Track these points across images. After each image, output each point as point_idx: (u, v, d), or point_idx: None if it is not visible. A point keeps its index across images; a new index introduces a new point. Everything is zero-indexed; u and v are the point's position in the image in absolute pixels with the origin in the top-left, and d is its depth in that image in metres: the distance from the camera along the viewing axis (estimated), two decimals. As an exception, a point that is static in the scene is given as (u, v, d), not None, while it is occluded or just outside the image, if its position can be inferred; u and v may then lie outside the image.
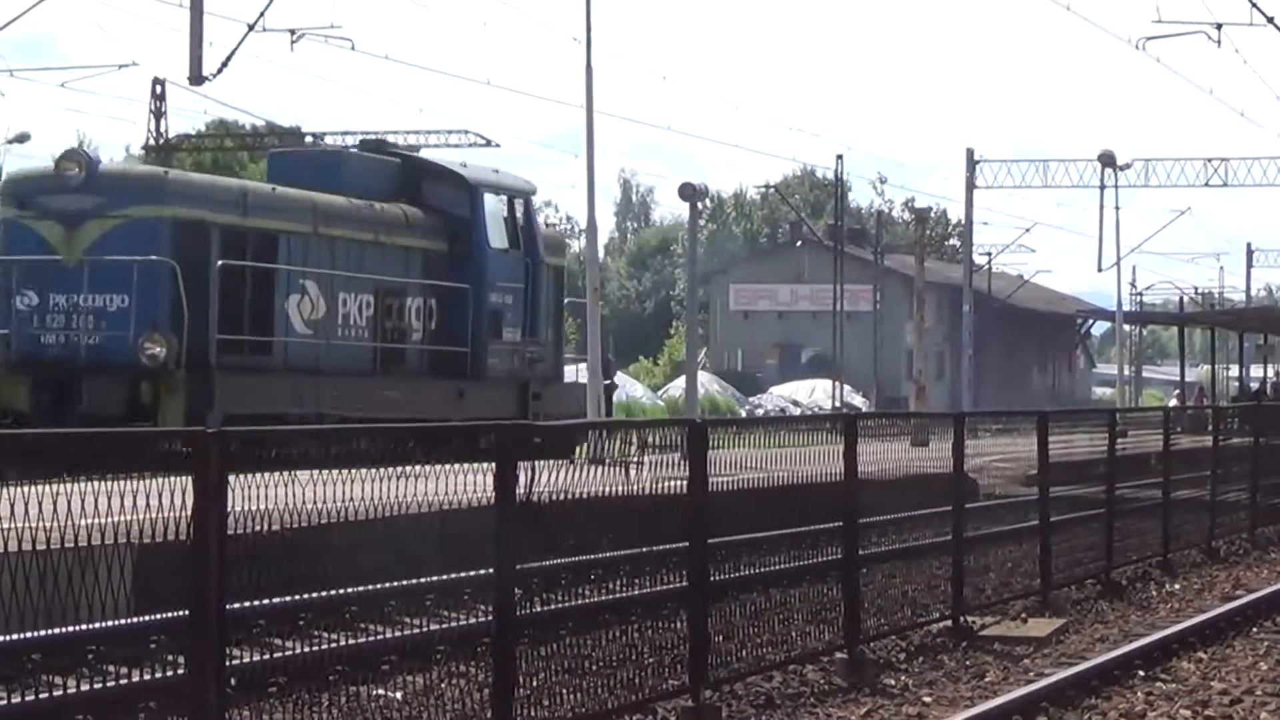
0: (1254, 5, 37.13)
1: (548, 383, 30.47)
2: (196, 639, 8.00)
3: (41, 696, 8.44)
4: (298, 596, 9.29)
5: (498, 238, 29.29)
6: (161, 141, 70.65)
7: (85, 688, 8.36)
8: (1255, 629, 16.62)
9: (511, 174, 31.43)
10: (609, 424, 19.29)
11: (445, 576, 11.05)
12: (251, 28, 37.51)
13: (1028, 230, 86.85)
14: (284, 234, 26.07)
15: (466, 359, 28.49)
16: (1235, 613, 17.18)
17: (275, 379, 25.56)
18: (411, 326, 28.22)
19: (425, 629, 10.80)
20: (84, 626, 8.81)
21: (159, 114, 69.90)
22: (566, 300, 32.51)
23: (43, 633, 8.42)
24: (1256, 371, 67.80)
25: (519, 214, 29.91)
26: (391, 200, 28.39)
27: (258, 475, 8.44)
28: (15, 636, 7.97)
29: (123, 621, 9.34)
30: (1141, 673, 13.84)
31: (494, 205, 29.38)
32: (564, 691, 10.56)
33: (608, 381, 31.11)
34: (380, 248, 27.54)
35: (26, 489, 7.51)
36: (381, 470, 9.37)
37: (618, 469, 12.02)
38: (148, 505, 7.80)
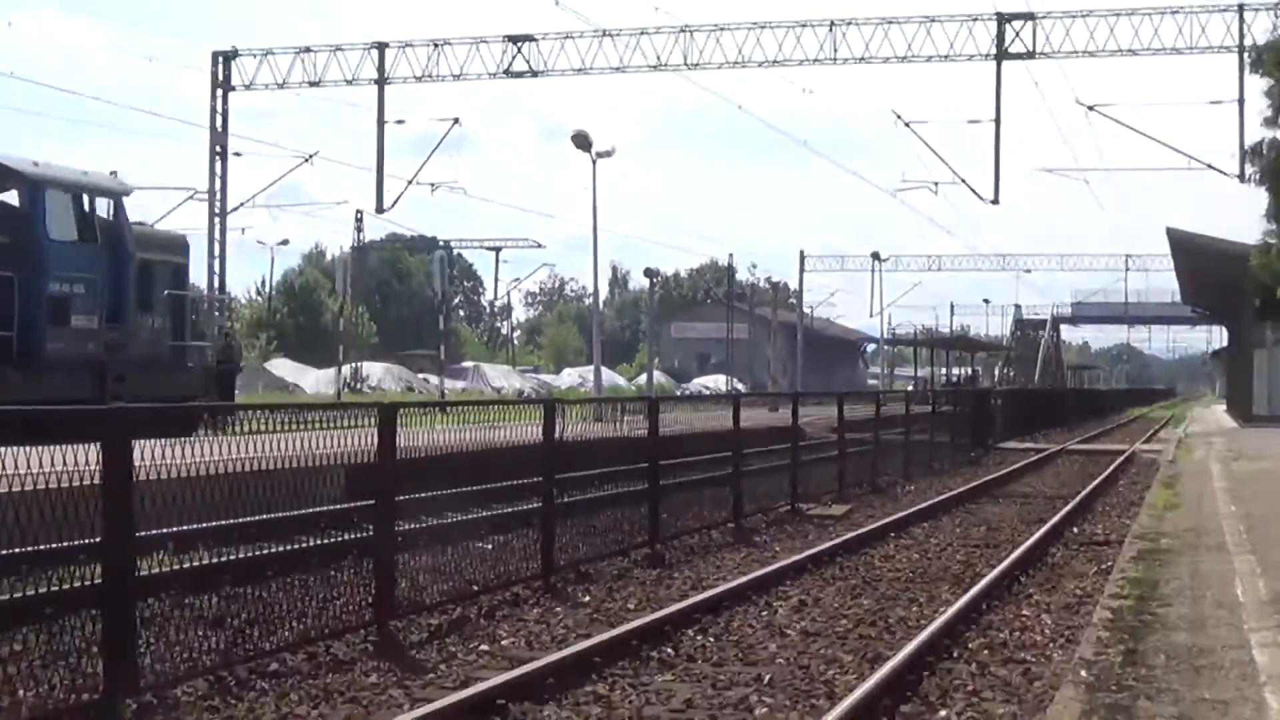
0: (954, 171, 37.14)
1: (145, 367, 18.78)
2: (379, 516, 7.90)
3: (292, 548, 8.29)
4: (434, 493, 9.19)
5: (63, 230, 17.87)
6: (361, 244, 70.35)
7: (318, 542, 8.22)
8: (955, 509, 16.56)
9: (104, 175, 20.28)
10: (602, 400, 18.81)
11: (514, 482, 10.93)
12: (410, 182, 37.46)
13: (832, 294, 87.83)
14: None
15: (12, 343, 17.11)
16: (944, 501, 17.11)
17: None
18: None
19: (503, 510, 10.67)
20: (317, 509, 8.68)
21: (359, 229, 69.46)
22: (190, 293, 21.22)
23: (295, 512, 8.28)
24: (955, 372, 67.82)
25: (105, 211, 18.66)
26: None
27: (414, 423, 8.31)
28: (280, 515, 7.84)
29: (338, 506, 9.22)
30: (893, 534, 13.75)
31: (62, 201, 17.91)
32: (580, 544, 10.50)
33: (230, 365, 21.54)
34: None
35: (280, 435, 7.38)
36: (480, 421, 9.24)
37: (611, 423, 11.99)
38: (351, 442, 7.70)
